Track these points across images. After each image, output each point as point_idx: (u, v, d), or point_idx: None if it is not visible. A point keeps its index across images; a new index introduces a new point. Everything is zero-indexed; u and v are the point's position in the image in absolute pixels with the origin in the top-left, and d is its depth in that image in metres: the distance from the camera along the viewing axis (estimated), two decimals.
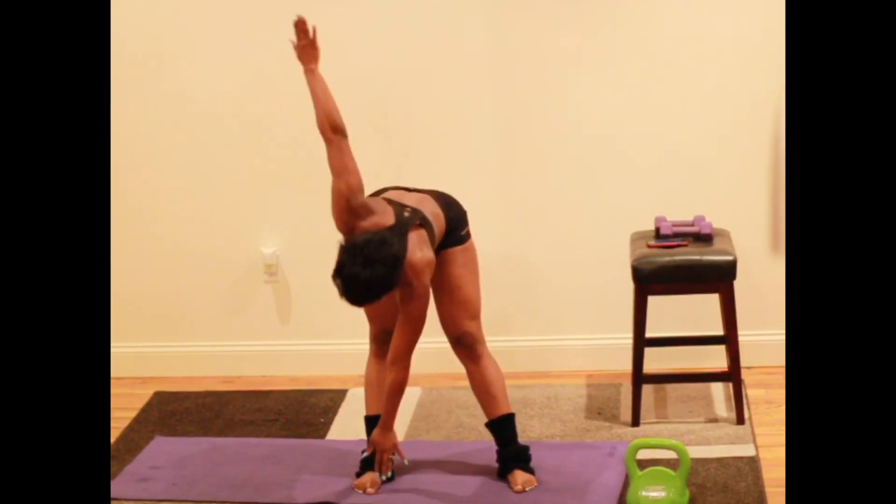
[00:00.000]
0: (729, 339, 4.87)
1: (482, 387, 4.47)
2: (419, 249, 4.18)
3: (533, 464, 4.52)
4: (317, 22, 5.37)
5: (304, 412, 5.22)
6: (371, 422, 4.54)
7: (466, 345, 4.42)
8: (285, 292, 5.62)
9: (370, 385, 4.54)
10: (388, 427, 4.38)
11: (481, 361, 4.45)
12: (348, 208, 4.18)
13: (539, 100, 5.31)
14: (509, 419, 4.50)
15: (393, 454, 4.43)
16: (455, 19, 5.30)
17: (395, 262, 4.04)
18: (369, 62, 5.34)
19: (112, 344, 5.39)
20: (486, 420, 4.53)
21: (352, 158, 4.19)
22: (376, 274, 4.01)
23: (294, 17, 4.29)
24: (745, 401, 4.96)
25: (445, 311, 4.41)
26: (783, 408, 4.95)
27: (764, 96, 5.20)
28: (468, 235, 4.40)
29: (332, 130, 4.21)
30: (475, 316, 4.40)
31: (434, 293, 4.40)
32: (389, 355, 4.28)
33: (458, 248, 4.38)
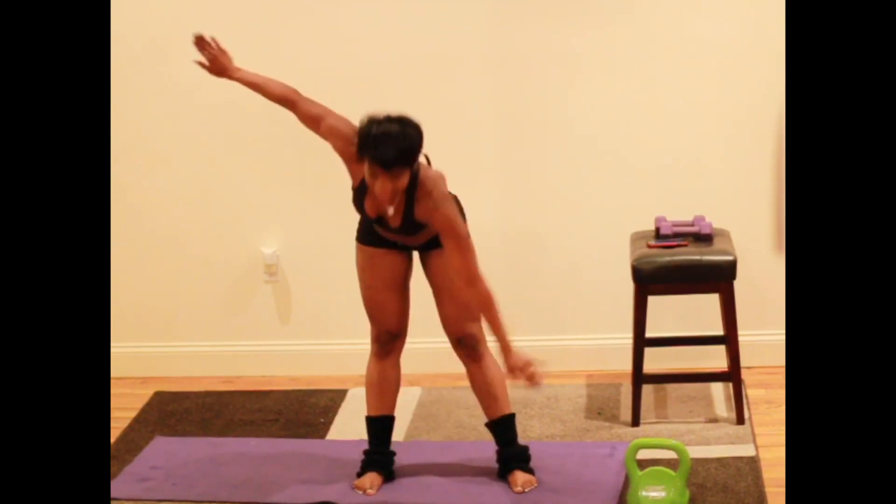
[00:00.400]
0: (729, 339, 4.87)
1: (483, 387, 4.47)
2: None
3: (533, 464, 4.52)
4: (316, 21, 5.39)
5: (304, 412, 5.22)
6: (373, 422, 4.54)
7: (468, 345, 4.42)
8: (285, 292, 5.62)
9: (371, 385, 4.54)
10: (510, 348, 4.15)
11: (483, 361, 4.44)
12: (352, 132, 4.18)
13: (539, 100, 5.31)
14: (510, 419, 4.50)
15: (532, 367, 4.16)
16: (455, 19, 5.30)
17: (420, 131, 4.09)
18: (369, 62, 5.34)
19: (112, 344, 5.39)
20: (486, 420, 4.53)
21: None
22: (408, 132, 4.05)
23: (192, 37, 4.40)
24: (745, 401, 4.96)
25: (447, 312, 4.39)
26: (783, 408, 4.95)
27: (764, 96, 5.21)
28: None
29: (292, 91, 4.35)
30: (477, 317, 4.39)
31: (435, 294, 4.39)
32: (461, 281, 4.13)
33: None
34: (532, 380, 4.15)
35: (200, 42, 4.43)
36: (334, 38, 5.37)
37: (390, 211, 4.18)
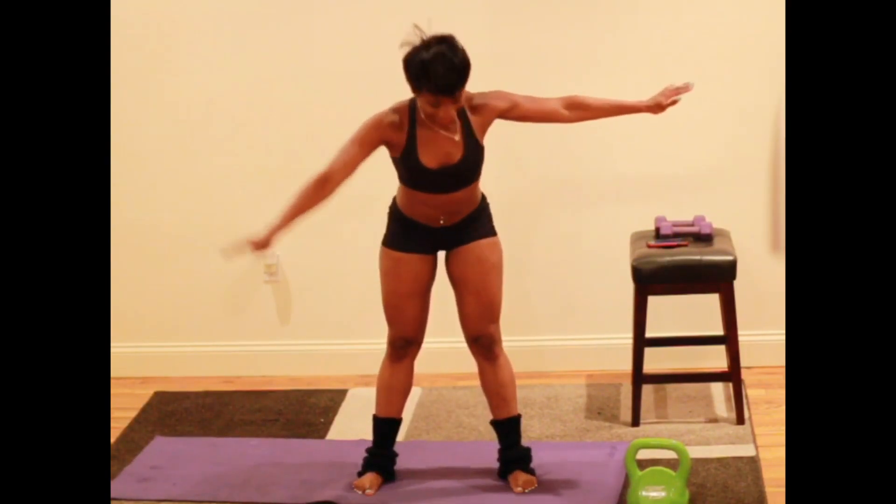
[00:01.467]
0: (729, 339, 4.87)
1: (494, 387, 4.47)
2: None
3: (533, 464, 4.52)
4: (316, 21, 5.39)
5: (304, 412, 5.22)
6: (379, 422, 4.54)
7: (485, 345, 4.42)
8: (285, 292, 5.62)
9: (382, 387, 4.53)
10: (639, 103, 4.49)
11: (497, 362, 4.45)
12: (369, 131, 4.24)
13: None
14: (516, 421, 4.50)
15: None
16: (455, 18, 5.29)
17: (459, 43, 4.12)
18: (369, 61, 5.34)
19: (112, 344, 5.39)
20: (491, 418, 4.53)
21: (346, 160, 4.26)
22: (457, 49, 4.08)
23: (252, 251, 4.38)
24: (745, 401, 4.96)
25: (469, 311, 4.38)
26: (783, 408, 4.95)
27: (764, 96, 5.21)
28: (494, 230, 4.40)
29: (321, 176, 4.26)
30: (497, 318, 4.40)
31: (460, 291, 4.38)
32: (570, 101, 4.36)
33: (486, 241, 4.36)
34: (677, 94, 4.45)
35: (239, 252, 4.41)
36: (334, 39, 5.37)
37: (456, 137, 4.19)
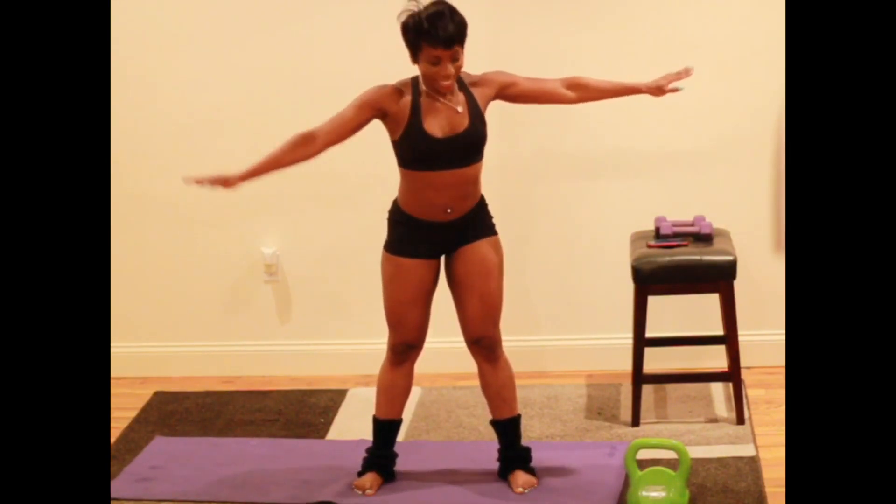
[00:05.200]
0: (729, 339, 4.87)
1: (495, 389, 4.46)
2: None
3: (533, 464, 4.52)
4: (315, 19, 5.38)
5: (304, 412, 5.22)
6: (379, 424, 4.53)
7: (486, 347, 4.41)
8: (285, 292, 5.62)
9: (382, 389, 4.52)
10: (638, 84, 4.55)
11: (498, 363, 4.44)
12: (371, 95, 4.27)
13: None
14: (516, 421, 4.50)
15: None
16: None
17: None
18: (368, 61, 5.34)
19: (112, 344, 5.39)
20: (491, 419, 4.52)
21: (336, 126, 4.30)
22: (454, 9, 4.18)
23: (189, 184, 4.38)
24: (745, 401, 4.96)
25: (471, 313, 4.36)
26: (783, 408, 4.95)
27: (764, 96, 5.21)
28: (495, 229, 4.39)
29: (303, 133, 4.27)
30: (498, 320, 4.39)
31: (462, 293, 4.36)
32: (571, 81, 4.48)
33: (488, 240, 4.35)
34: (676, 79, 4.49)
35: (201, 182, 4.40)
36: (334, 39, 5.37)
37: (460, 108, 4.23)
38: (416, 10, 4.15)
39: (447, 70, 4.16)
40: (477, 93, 4.31)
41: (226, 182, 4.34)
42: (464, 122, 4.24)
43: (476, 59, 5.32)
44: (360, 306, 5.52)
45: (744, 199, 5.30)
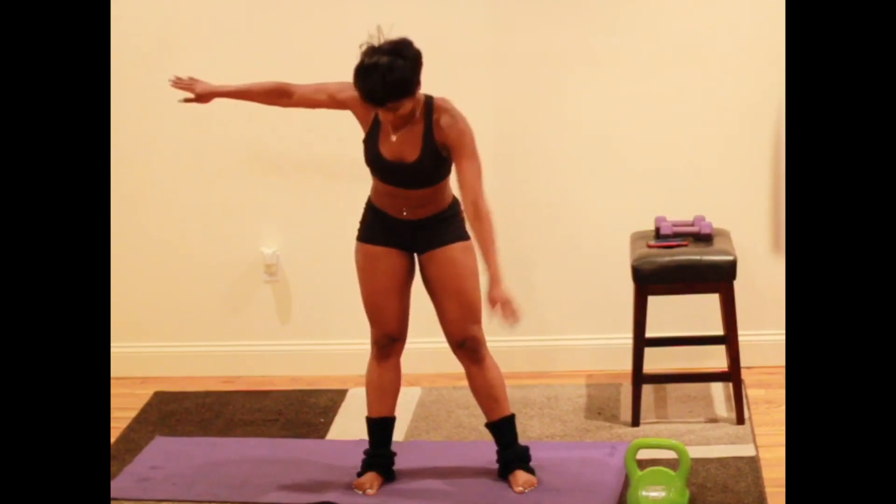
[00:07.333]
0: (729, 339, 4.87)
1: (483, 389, 4.46)
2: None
3: (533, 464, 4.52)
4: (315, 20, 5.39)
5: (304, 412, 5.22)
6: (373, 423, 4.54)
7: (470, 348, 4.40)
8: (285, 292, 5.62)
9: (371, 388, 4.52)
10: (498, 279, 4.20)
11: (484, 364, 4.43)
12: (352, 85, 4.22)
13: (539, 99, 5.31)
14: (510, 420, 4.49)
15: (513, 304, 4.21)
16: (455, 18, 5.30)
17: (416, 58, 4.10)
18: None
19: (112, 344, 5.39)
20: (486, 421, 4.52)
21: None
22: (396, 64, 4.03)
23: (170, 82, 4.52)
24: (745, 401, 4.96)
25: (451, 316, 4.36)
26: (783, 408, 4.95)
27: (764, 96, 5.21)
28: (468, 234, 4.38)
29: (280, 83, 4.40)
30: (479, 319, 4.39)
31: (437, 297, 4.37)
32: (469, 198, 4.20)
33: (458, 244, 4.36)
34: (510, 315, 4.20)
35: (178, 83, 4.51)
36: (334, 39, 5.36)
37: (415, 138, 4.19)
38: (369, 48, 4.09)
39: (384, 117, 4.16)
40: (437, 130, 4.22)
41: (194, 90, 4.50)
42: (413, 154, 4.23)
43: (477, 59, 5.34)
44: (360, 306, 5.49)
45: (743, 199, 5.30)
